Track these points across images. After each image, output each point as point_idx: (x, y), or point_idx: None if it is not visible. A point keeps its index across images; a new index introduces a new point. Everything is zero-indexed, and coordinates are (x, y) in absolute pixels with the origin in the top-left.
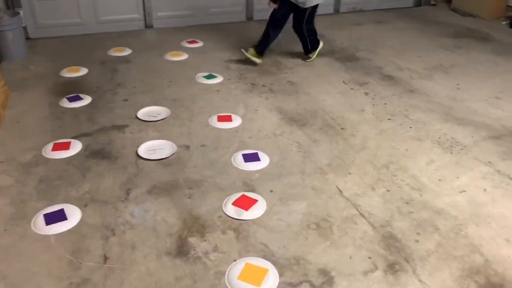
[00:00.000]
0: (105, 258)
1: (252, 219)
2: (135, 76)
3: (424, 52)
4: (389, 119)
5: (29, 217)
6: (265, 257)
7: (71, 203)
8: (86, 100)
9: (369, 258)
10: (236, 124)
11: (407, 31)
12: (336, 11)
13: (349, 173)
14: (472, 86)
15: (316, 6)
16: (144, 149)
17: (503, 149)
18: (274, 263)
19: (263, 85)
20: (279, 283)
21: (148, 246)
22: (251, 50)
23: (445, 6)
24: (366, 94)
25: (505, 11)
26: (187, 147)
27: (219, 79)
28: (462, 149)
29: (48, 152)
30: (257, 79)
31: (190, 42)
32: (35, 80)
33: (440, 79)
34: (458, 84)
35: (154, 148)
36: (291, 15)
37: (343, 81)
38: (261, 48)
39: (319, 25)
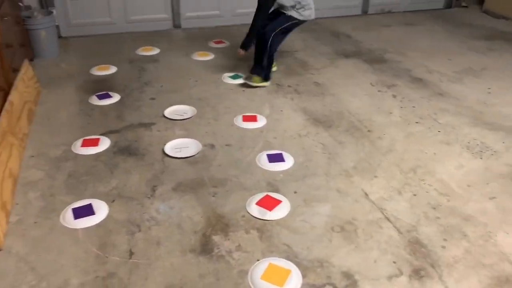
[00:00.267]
0: (131, 253)
1: (275, 220)
2: (162, 75)
3: (454, 55)
4: (417, 123)
5: (58, 211)
6: (288, 258)
7: (99, 198)
8: (115, 98)
9: (394, 262)
10: (261, 124)
11: (437, 33)
12: (364, 12)
13: (375, 176)
14: (503, 91)
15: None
16: (170, 147)
17: None
18: (298, 264)
19: (289, 86)
20: (302, 285)
21: (172, 242)
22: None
23: (477, 7)
24: (394, 96)
25: None
26: (212, 146)
27: None
28: (492, 154)
29: (78, 148)
30: (283, 80)
31: (217, 42)
32: (66, 78)
33: (470, 83)
34: (489, 88)
35: (180, 146)
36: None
37: (371, 83)
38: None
39: (347, 26)
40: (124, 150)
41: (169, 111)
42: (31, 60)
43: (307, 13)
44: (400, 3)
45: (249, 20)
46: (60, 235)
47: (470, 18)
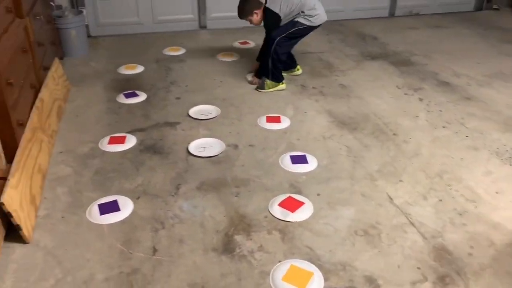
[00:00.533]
0: (154, 250)
1: (298, 221)
2: (188, 75)
3: (484, 59)
4: (444, 127)
5: (84, 206)
6: (310, 260)
7: (124, 195)
8: (142, 96)
9: (418, 268)
10: (284, 126)
11: (466, 36)
12: (391, 14)
13: (400, 181)
14: None
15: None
16: (194, 146)
17: None
18: (320, 267)
19: (313, 87)
20: None
21: (195, 241)
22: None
23: (509, 10)
24: (421, 100)
25: None
26: (236, 146)
27: None
28: None
29: (105, 145)
30: (308, 81)
31: (242, 43)
32: (94, 76)
33: (500, 87)
34: None
35: (204, 145)
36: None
37: (397, 86)
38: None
39: (374, 28)
40: (149, 148)
41: (194, 111)
42: (61, 58)
43: (315, 19)
44: (428, 5)
45: None
46: (86, 230)
47: (502, 21)
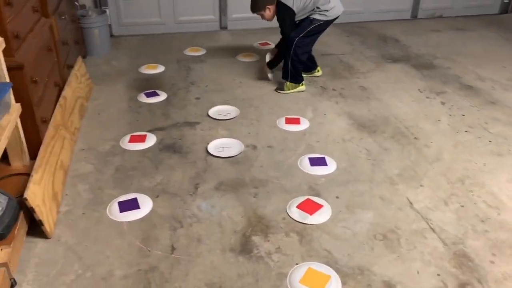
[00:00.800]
0: (173, 249)
1: (316, 224)
2: (208, 75)
3: (509, 62)
4: (466, 131)
5: (105, 203)
6: (328, 263)
7: (144, 193)
8: (162, 96)
9: (438, 275)
10: (303, 127)
11: (491, 40)
12: (414, 16)
13: (421, 185)
14: None
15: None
16: (213, 146)
17: None
18: (337, 270)
19: (333, 89)
20: None
21: (213, 240)
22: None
23: None
24: (443, 103)
25: None
26: (254, 147)
27: None
28: None
29: (125, 143)
30: (328, 83)
31: (262, 44)
32: (116, 75)
33: None
34: None
35: (222, 145)
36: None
37: (419, 89)
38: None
39: (395, 30)
40: (169, 147)
41: (213, 111)
42: (84, 57)
43: (330, 13)
44: (451, 7)
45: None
46: (106, 227)
47: None
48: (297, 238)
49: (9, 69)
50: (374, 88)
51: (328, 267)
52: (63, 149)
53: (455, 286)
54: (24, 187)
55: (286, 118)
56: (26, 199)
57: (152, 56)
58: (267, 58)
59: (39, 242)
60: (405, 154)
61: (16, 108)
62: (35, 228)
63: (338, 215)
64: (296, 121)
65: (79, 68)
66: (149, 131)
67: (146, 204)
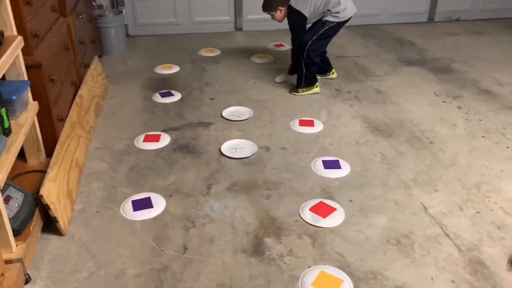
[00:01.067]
0: (185, 248)
1: (329, 227)
2: (222, 76)
3: None
4: (483, 137)
5: (118, 202)
6: (340, 267)
7: (157, 192)
8: (176, 96)
9: (453, 282)
10: (317, 130)
11: (509, 44)
12: (430, 19)
13: (436, 190)
14: None
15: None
16: (226, 147)
17: None
18: (350, 274)
19: (348, 92)
20: None
21: (225, 241)
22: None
23: None
24: (459, 108)
25: None
26: (267, 148)
27: None
28: None
29: (140, 143)
30: (342, 85)
31: (277, 46)
32: (131, 75)
33: None
34: None
35: (236, 146)
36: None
37: (435, 93)
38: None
39: (412, 33)
40: (183, 147)
41: (227, 112)
42: (100, 56)
43: (342, 14)
44: (469, 10)
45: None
46: (120, 225)
47: None
48: (310, 241)
49: (28, 68)
50: (389, 92)
51: (341, 271)
52: (78, 147)
53: None
54: (40, 184)
55: (299, 120)
56: (41, 196)
57: (167, 57)
58: (278, 79)
59: (54, 239)
60: (420, 159)
61: (33, 106)
62: (50, 225)
63: (351, 218)
64: (310, 123)
65: (96, 67)
66: (163, 131)
67: (159, 204)
